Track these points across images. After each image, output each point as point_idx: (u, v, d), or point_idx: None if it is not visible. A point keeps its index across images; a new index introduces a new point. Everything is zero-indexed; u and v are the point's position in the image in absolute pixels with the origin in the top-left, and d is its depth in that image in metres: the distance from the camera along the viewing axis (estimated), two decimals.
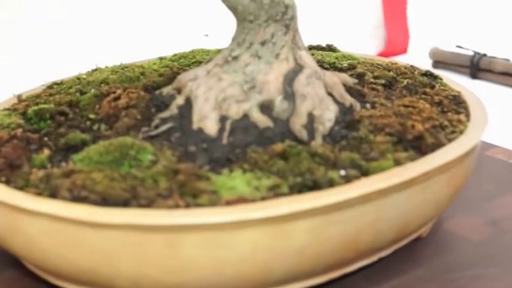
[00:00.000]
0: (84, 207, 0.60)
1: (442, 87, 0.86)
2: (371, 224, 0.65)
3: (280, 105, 0.73)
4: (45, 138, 0.74)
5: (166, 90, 0.78)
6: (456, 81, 0.92)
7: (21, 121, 0.77)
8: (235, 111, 0.72)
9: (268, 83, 0.74)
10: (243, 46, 0.75)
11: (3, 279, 0.76)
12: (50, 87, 0.87)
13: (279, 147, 0.68)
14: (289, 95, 0.74)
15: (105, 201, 0.60)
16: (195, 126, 0.72)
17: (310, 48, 1.01)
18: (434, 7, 2.06)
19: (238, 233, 0.60)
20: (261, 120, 0.72)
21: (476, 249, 0.78)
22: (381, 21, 1.99)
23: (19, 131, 0.73)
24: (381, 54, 1.93)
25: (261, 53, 0.75)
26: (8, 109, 0.80)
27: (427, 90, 0.85)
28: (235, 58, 0.76)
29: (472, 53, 1.77)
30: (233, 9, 0.74)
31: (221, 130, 0.71)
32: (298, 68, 0.76)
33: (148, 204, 0.60)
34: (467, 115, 0.79)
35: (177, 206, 0.60)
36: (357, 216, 0.64)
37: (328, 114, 0.73)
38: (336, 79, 0.78)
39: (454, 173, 0.71)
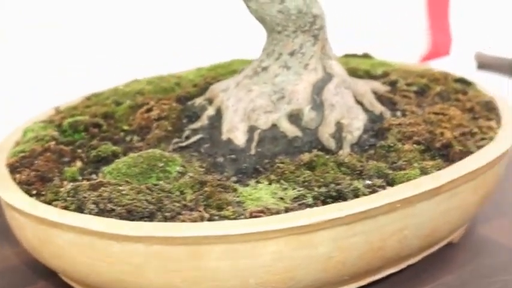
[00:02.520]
0: (109, 220, 0.59)
1: (475, 93, 0.83)
2: (396, 232, 0.63)
3: (308, 114, 0.72)
4: (79, 151, 0.73)
5: (199, 101, 0.77)
6: (496, 85, 0.90)
7: (56, 133, 0.77)
8: (263, 122, 0.71)
9: (296, 93, 0.72)
10: (272, 57, 0.74)
11: None
12: (88, 98, 0.87)
13: (306, 157, 0.67)
14: (318, 104, 0.73)
15: (131, 213, 0.59)
16: (224, 137, 0.71)
17: (347, 56, 0.99)
18: (477, 10, 2.03)
19: (261, 244, 0.58)
20: (290, 129, 0.71)
21: (510, 254, 0.75)
22: (425, 24, 1.97)
23: (52, 144, 0.72)
24: (425, 57, 1.91)
25: (290, 63, 0.74)
26: (45, 121, 0.80)
27: (460, 96, 0.82)
28: (265, 69, 0.74)
29: None
30: (262, 20, 0.73)
31: (249, 141, 0.70)
32: (328, 78, 0.74)
33: (173, 216, 0.59)
34: (498, 121, 0.76)
35: (201, 218, 0.58)
36: (381, 225, 0.61)
37: (357, 123, 0.72)
38: (366, 87, 0.76)
39: (482, 180, 0.68)
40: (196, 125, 0.74)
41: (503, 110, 0.79)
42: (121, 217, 0.59)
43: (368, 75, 0.89)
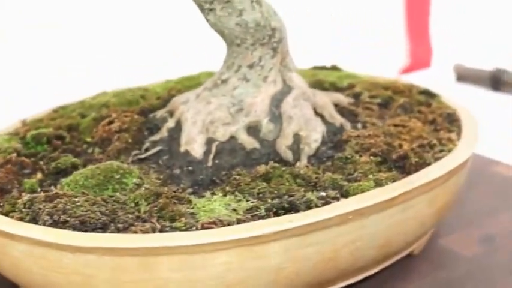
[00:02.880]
0: (61, 231, 0.59)
1: (438, 105, 0.84)
2: (349, 244, 0.63)
3: (266, 126, 0.72)
4: (40, 163, 0.73)
5: (160, 113, 0.78)
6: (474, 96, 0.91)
7: (19, 145, 0.77)
8: (222, 134, 0.72)
9: (255, 105, 0.73)
10: (232, 69, 0.75)
11: None
12: (55, 110, 0.87)
13: (262, 169, 0.67)
14: (276, 116, 0.73)
15: (84, 225, 0.59)
16: (182, 149, 0.71)
17: (315, 68, 1.00)
18: (458, 23, 2.05)
19: (212, 255, 0.58)
20: (248, 141, 0.71)
21: (468, 266, 0.75)
22: (404, 37, 1.98)
23: (14, 156, 0.73)
24: (405, 70, 1.93)
25: (249, 76, 0.74)
26: (10, 133, 0.80)
27: (423, 108, 0.82)
28: (224, 81, 0.75)
29: (493, 69, 1.77)
30: (221, 33, 0.73)
31: (207, 153, 0.71)
32: (287, 90, 0.75)
33: (126, 227, 0.59)
34: (459, 133, 0.76)
35: (153, 230, 0.59)
36: (334, 237, 0.62)
37: (314, 135, 0.72)
38: (326, 99, 0.77)
39: (439, 192, 0.69)
40: (156, 137, 0.74)
41: (465, 122, 0.79)
42: (74, 228, 0.59)
43: (334, 87, 0.89)
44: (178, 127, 0.74)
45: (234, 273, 0.59)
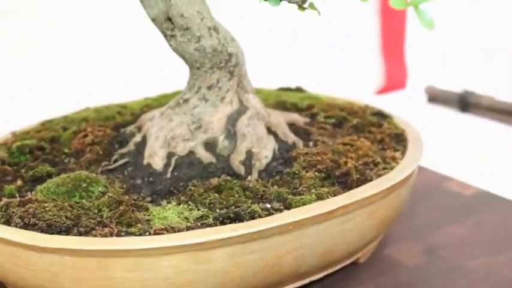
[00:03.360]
0: (30, 233, 0.66)
1: (388, 126, 0.89)
2: (291, 251, 0.69)
3: (222, 143, 0.78)
4: (22, 171, 0.80)
5: (130, 128, 0.84)
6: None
7: (5, 155, 0.83)
8: (181, 149, 0.77)
9: (212, 123, 0.79)
10: (193, 90, 0.81)
11: None
12: (42, 124, 0.93)
13: (215, 181, 0.73)
14: (232, 134, 0.79)
15: (50, 227, 0.66)
16: (145, 161, 0.77)
17: (281, 89, 1.05)
18: (433, 45, 2.09)
19: (162, 258, 0.64)
20: (205, 156, 0.77)
21: (411, 274, 0.81)
22: (379, 58, 2.04)
23: None
24: (380, 90, 1.99)
25: (208, 96, 0.80)
26: (0, 144, 0.88)
27: (373, 128, 0.88)
28: (186, 101, 0.81)
29: (461, 91, 1.83)
30: (182, 57, 0.79)
31: (167, 165, 0.76)
32: (243, 110, 0.81)
33: (87, 231, 0.66)
34: (404, 152, 0.82)
35: (111, 234, 0.65)
36: (276, 244, 0.67)
37: (265, 152, 0.78)
38: (280, 119, 0.83)
39: (379, 206, 0.74)
40: (124, 150, 0.80)
41: (411, 142, 0.85)
42: (42, 230, 0.66)
43: (295, 107, 0.95)
44: (144, 142, 0.80)
45: (183, 276, 0.66)
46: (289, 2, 0.74)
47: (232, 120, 0.80)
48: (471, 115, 1.75)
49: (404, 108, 1.58)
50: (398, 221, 0.90)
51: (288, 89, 1.07)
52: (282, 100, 0.96)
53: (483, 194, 1.06)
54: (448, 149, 1.43)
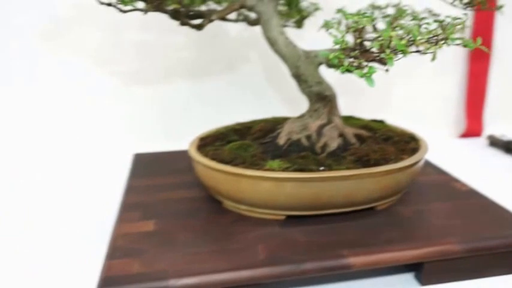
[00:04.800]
0: (214, 163, 1.33)
1: (414, 144, 1.43)
2: (326, 191, 1.26)
3: (314, 137, 1.38)
4: (224, 139, 1.49)
5: (278, 127, 1.50)
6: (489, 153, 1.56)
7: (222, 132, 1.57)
8: (295, 137, 1.38)
9: (311, 127, 1.38)
10: (308, 113, 1.41)
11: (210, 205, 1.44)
12: (237, 124, 1.63)
13: (303, 154, 1.34)
14: (319, 133, 1.37)
15: (222, 161, 1.32)
16: (276, 141, 1.41)
17: (371, 120, 1.64)
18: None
19: (260, 182, 1.26)
20: (305, 142, 1.37)
21: (403, 219, 1.45)
22: (464, 113, 2.34)
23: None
24: (462, 135, 2.35)
25: (312, 115, 1.39)
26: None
27: (403, 143, 1.42)
28: (302, 116, 1.40)
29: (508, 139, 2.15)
30: (305, 95, 1.40)
31: (285, 144, 1.38)
32: (328, 123, 1.39)
33: (237, 164, 1.30)
34: (410, 156, 1.36)
35: (246, 167, 1.30)
36: (318, 186, 1.26)
37: (333, 144, 1.36)
38: (349, 131, 1.41)
39: (380, 180, 1.25)
40: (272, 135, 1.42)
41: (419, 152, 1.38)
42: (222, 162, 1.40)
43: (371, 129, 1.52)
44: (280, 133, 1.42)
45: (270, 192, 1.27)
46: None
47: (321, 127, 1.36)
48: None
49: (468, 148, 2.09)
50: (407, 195, 1.39)
51: (375, 120, 1.62)
52: (366, 125, 1.54)
53: (474, 193, 1.46)
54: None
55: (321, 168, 1.28)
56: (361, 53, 1.03)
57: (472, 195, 1.48)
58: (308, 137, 1.39)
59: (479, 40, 1.07)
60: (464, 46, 1.03)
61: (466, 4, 1.28)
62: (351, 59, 1.05)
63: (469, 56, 2.33)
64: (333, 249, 1.19)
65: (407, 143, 1.45)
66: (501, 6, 1.30)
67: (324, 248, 1.20)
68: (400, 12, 1.22)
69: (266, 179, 1.24)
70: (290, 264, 1.14)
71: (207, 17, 1.29)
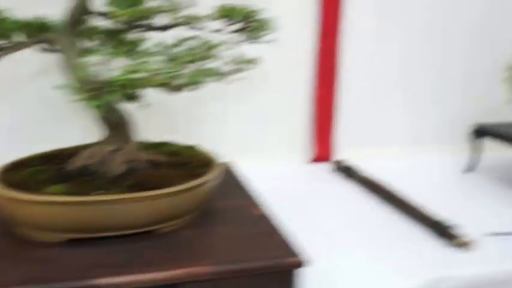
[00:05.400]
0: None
1: (206, 167, 1.48)
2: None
3: (103, 162, 1.43)
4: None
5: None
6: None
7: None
8: (87, 162, 1.44)
9: (102, 153, 1.44)
10: (104, 139, 1.47)
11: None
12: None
13: (85, 179, 1.40)
14: (109, 159, 1.43)
15: (12, 185, 1.38)
16: (69, 166, 1.47)
17: (184, 146, 1.70)
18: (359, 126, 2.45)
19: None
20: (93, 167, 1.44)
21: (184, 238, 1.47)
22: (312, 140, 2.43)
23: None
24: (312, 160, 2.45)
25: (108, 141, 1.45)
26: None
27: (197, 168, 1.47)
28: (99, 143, 1.47)
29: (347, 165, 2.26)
30: (102, 124, 1.47)
31: (75, 169, 1.43)
32: (119, 149, 1.44)
33: (28, 187, 1.36)
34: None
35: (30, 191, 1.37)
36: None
37: (119, 169, 1.41)
38: (142, 156, 1.46)
39: (152, 202, 1.31)
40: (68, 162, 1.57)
41: (202, 177, 1.42)
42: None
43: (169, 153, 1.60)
44: None
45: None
46: None
47: (112, 153, 1.43)
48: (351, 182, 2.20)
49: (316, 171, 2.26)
50: (200, 218, 1.44)
51: (187, 146, 1.70)
52: (176, 150, 1.64)
53: (264, 218, 1.50)
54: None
55: (99, 192, 1.30)
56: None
57: (261, 220, 1.51)
58: (100, 163, 1.44)
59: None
60: None
61: (234, 32, 1.32)
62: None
63: (316, 79, 2.41)
64: (89, 271, 1.23)
65: (202, 168, 1.49)
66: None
67: (81, 269, 1.23)
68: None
69: (39, 203, 1.28)
70: (42, 284, 1.21)
71: (3, 51, 1.36)
